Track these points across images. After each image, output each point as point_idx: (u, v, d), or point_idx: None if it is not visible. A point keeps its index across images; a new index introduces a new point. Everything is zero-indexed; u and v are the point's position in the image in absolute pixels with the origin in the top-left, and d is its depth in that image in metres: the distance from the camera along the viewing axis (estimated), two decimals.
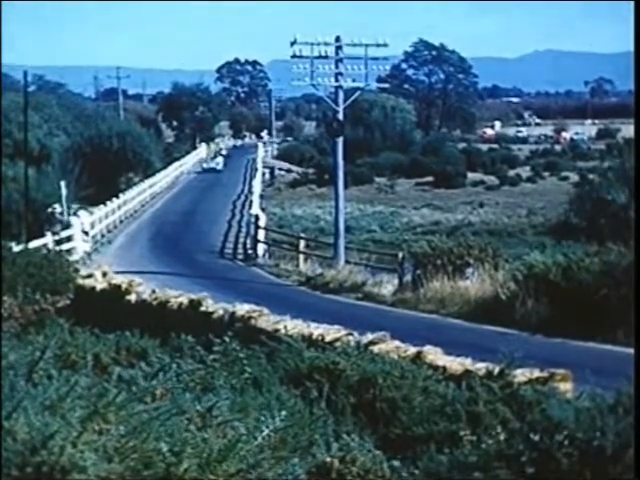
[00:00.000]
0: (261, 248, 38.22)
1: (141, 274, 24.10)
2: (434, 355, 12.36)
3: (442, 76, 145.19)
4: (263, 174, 75.97)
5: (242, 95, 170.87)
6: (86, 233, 37.56)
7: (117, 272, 20.73)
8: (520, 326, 21.76)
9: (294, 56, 34.34)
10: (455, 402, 9.42)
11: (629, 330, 16.27)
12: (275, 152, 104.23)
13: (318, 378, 9.91)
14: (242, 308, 16.30)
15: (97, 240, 39.96)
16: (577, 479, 5.41)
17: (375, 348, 12.32)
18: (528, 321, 22.01)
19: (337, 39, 34.69)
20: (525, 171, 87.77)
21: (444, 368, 11.59)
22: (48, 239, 31.66)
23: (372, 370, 10.12)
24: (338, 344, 12.52)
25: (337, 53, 34.66)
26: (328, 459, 6.43)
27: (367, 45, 34.68)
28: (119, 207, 48.16)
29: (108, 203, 45.79)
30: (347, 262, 32.70)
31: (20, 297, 14.24)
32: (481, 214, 64.83)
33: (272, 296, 25.87)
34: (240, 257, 38.61)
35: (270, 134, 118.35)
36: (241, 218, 49.12)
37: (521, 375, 10.74)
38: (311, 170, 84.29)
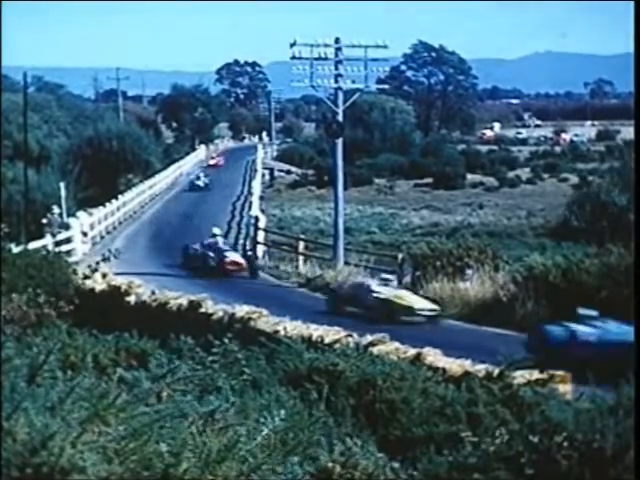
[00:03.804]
0: (261, 250, 38.20)
1: (140, 275, 24.09)
2: (434, 356, 12.36)
3: (442, 77, 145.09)
4: (263, 175, 75.96)
5: (241, 96, 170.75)
6: (85, 234, 37.56)
7: (117, 273, 20.70)
8: (520, 327, 21.75)
9: (294, 57, 34.35)
10: (455, 403, 9.42)
11: None
12: (274, 153, 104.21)
13: (317, 379, 9.90)
14: (242, 309, 16.30)
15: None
16: None
17: (374, 349, 12.33)
18: (528, 322, 21.99)
19: (337, 40, 34.71)
20: (525, 172, 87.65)
21: (444, 370, 11.59)
22: (47, 240, 31.63)
23: (371, 371, 10.11)
24: (337, 345, 12.52)
25: (337, 54, 34.67)
26: (330, 464, 6.39)
27: (366, 46, 34.71)
28: (118, 208, 48.17)
29: (107, 204, 45.79)
30: (346, 263, 32.69)
31: (25, 299, 14.18)
32: (481, 215, 64.77)
33: (271, 297, 25.85)
34: None
35: (269, 136, 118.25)
36: (240, 220, 49.08)
37: (520, 377, 10.74)
38: (311, 171, 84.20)
